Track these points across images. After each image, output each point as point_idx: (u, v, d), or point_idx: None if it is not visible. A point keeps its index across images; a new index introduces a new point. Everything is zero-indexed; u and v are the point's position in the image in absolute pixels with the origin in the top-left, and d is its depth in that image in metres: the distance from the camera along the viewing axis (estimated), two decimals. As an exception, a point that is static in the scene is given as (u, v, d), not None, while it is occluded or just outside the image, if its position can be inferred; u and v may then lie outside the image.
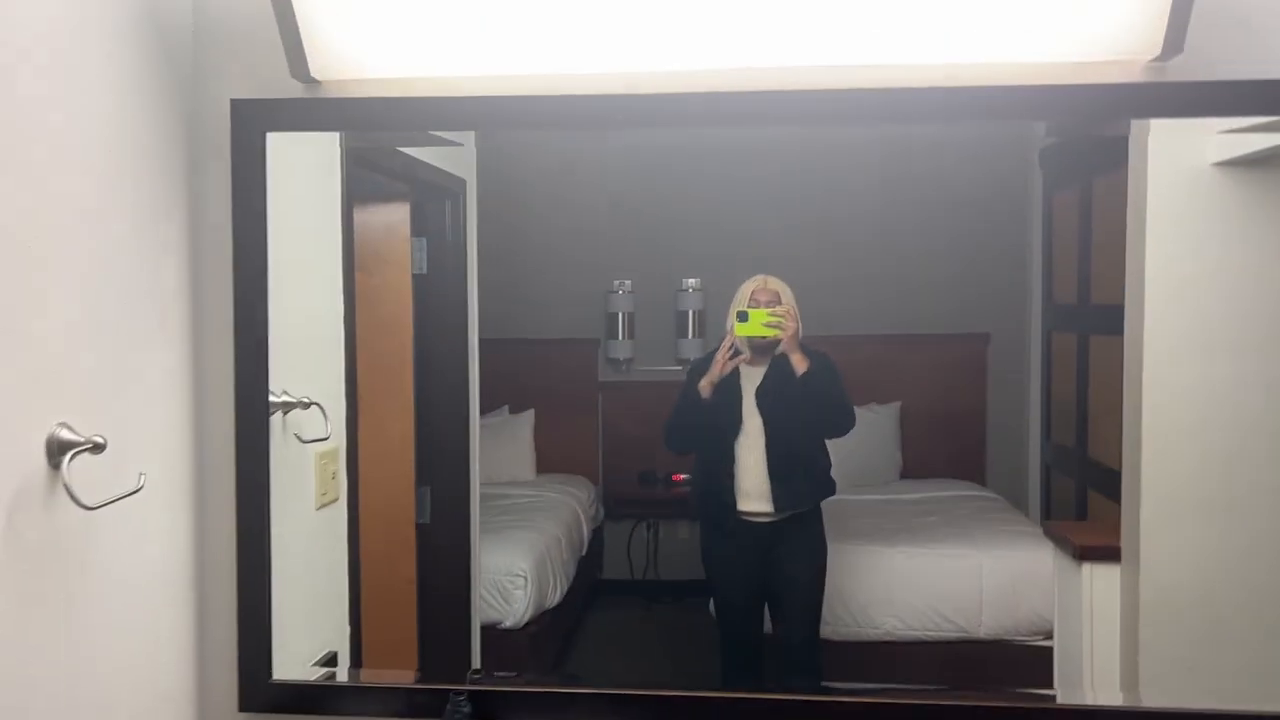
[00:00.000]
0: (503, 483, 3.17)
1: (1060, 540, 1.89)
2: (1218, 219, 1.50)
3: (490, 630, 2.51)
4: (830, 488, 2.08)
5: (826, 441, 2.09)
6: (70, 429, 1.18)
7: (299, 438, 1.61)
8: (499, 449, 3.17)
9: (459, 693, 1.44)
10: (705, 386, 2.00)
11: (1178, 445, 1.55)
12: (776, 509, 1.98)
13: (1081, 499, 2.45)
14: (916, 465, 3.16)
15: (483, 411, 2.47)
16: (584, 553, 3.03)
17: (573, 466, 3.28)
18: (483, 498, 2.45)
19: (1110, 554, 1.67)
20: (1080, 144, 2.30)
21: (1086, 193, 2.34)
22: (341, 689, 1.54)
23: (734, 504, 2.04)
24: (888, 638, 2.45)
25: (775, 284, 2.05)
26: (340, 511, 1.75)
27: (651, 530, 3.06)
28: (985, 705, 1.44)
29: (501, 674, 1.63)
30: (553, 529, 2.98)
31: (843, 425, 2.08)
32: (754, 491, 2.04)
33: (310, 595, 1.69)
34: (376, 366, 2.00)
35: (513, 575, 2.69)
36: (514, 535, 2.85)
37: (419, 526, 2.34)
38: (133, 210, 1.34)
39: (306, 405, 1.64)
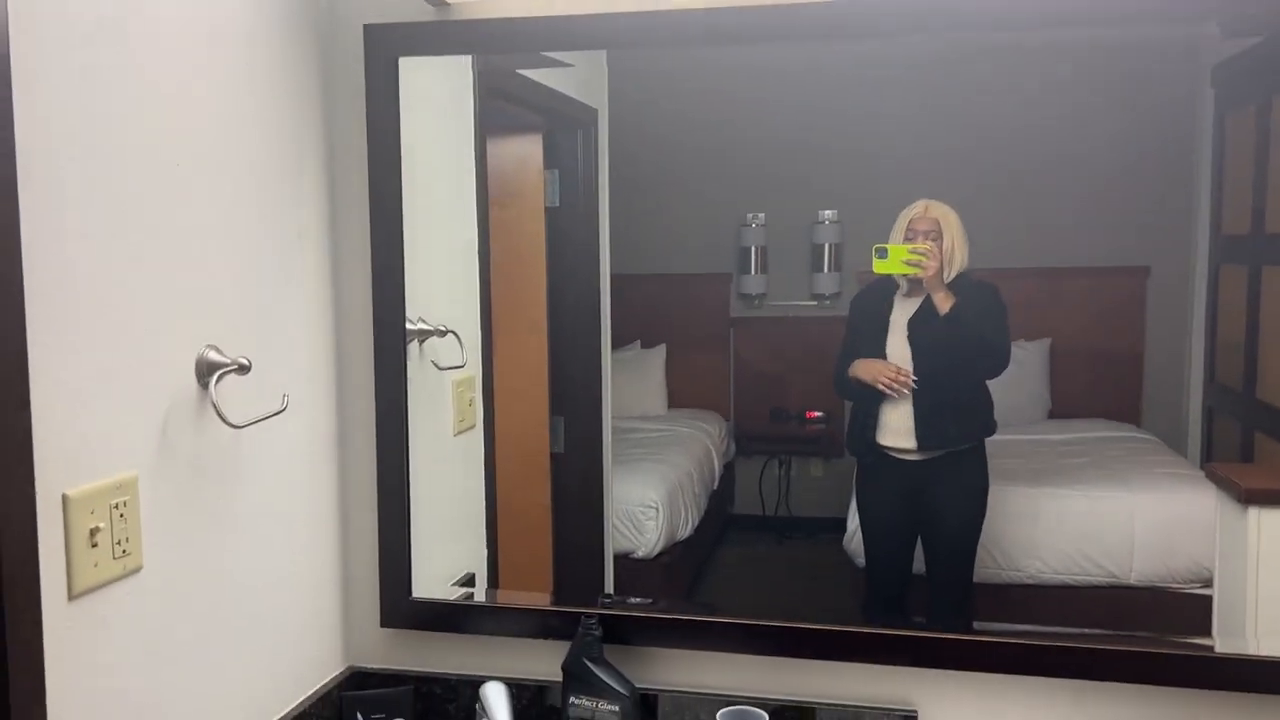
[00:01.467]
0: (634, 417, 3.17)
1: (1224, 482, 1.76)
2: None
3: (623, 559, 2.53)
4: (986, 428, 1.98)
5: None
6: (218, 350, 1.22)
7: (436, 365, 1.64)
8: (631, 383, 3.16)
9: (590, 616, 1.46)
10: (853, 380, 1.93)
11: None
12: (921, 446, 1.89)
13: (1248, 443, 2.28)
14: (1066, 405, 3.00)
15: (615, 346, 2.46)
16: (715, 487, 3.01)
17: (704, 402, 3.25)
18: (615, 431, 2.45)
19: (1279, 498, 1.55)
20: (1259, 55, 2.10)
21: (1265, 110, 2.14)
22: (478, 609, 1.57)
23: (876, 439, 1.96)
24: (1032, 581, 2.36)
25: (938, 210, 1.93)
26: (477, 437, 1.78)
27: (784, 467, 3.01)
28: (1139, 651, 1.36)
29: (634, 599, 1.64)
30: (684, 462, 2.97)
31: (991, 368, 1.95)
32: (899, 427, 1.95)
33: (449, 518, 1.73)
34: (511, 298, 2.02)
35: (645, 506, 2.70)
36: (646, 467, 2.85)
37: (553, 456, 2.36)
38: (273, 138, 1.37)
39: (443, 333, 1.66)
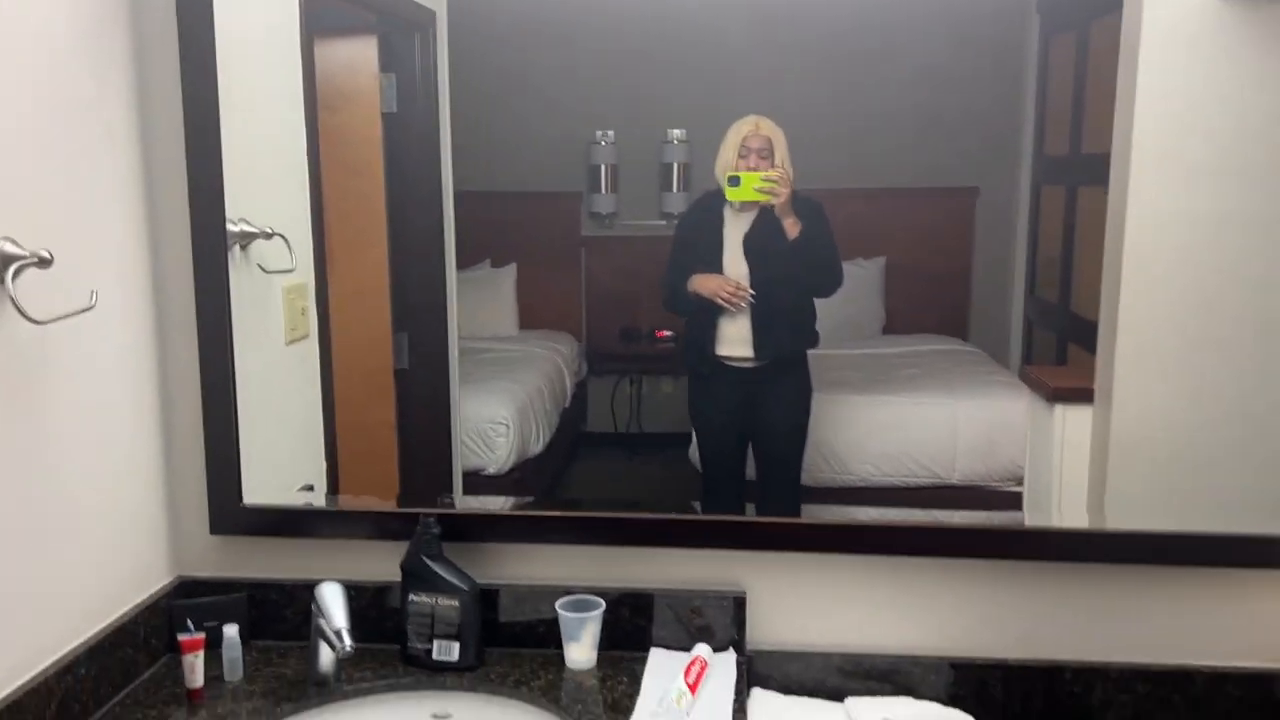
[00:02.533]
0: (485, 337, 3.15)
1: (1036, 383, 1.89)
2: (1214, 52, 1.44)
3: (473, 476, 2.53)
4: (814, 339, 2.06)
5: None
6: (14, 243, 1.14)
7: (262, 268, 1.59)
8: (481, 304, 3.13)
9: (428, 515, 1.46)
10: (693, 295, 1.96)
11: (1156, 286, 1.54)
12: (758, 356, 1.96)
13: (1062, 352, 2.45)
14: (900, 320, 3.14)
15: (464, 266, 2.43)
16: (567, 405, 3.03)
17: (556, 322, 3.24)
18: (465, 351, 2.43)
19: (1083, 395, 1.67)
20: (1081, -17, 2.20)
21: (1084, 36, 2.25)
22: (314, 513, 1.55)
23: (715, 349, 2.01)
24: (862, 484, 2.48)
25: (768, 128, 1.97)
26: (312, 348, 1.74)
27: (635, 385, 3.05)
28: (954, 527, 1.46)
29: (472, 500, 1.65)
30: (535, 380, 2.97)
31: (830, 286, 2.03)
32: (736, 338, 2.01)
33: (284, 428, 1.69)
34: (347, 206, 1.96)
35: (495, 423, 2.70)
36: (496, 385, 2.84)
37: (398, 373, 2.33)
38: (76, 32, 1.29)
39: (269, 235, 1.60)
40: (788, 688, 1.44)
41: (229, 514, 1.50)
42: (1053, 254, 2.46)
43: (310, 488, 1.72)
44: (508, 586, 1.49)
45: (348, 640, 1.29)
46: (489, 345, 3.00)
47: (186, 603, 1.46)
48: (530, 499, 2.65)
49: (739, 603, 1.45)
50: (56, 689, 1.22)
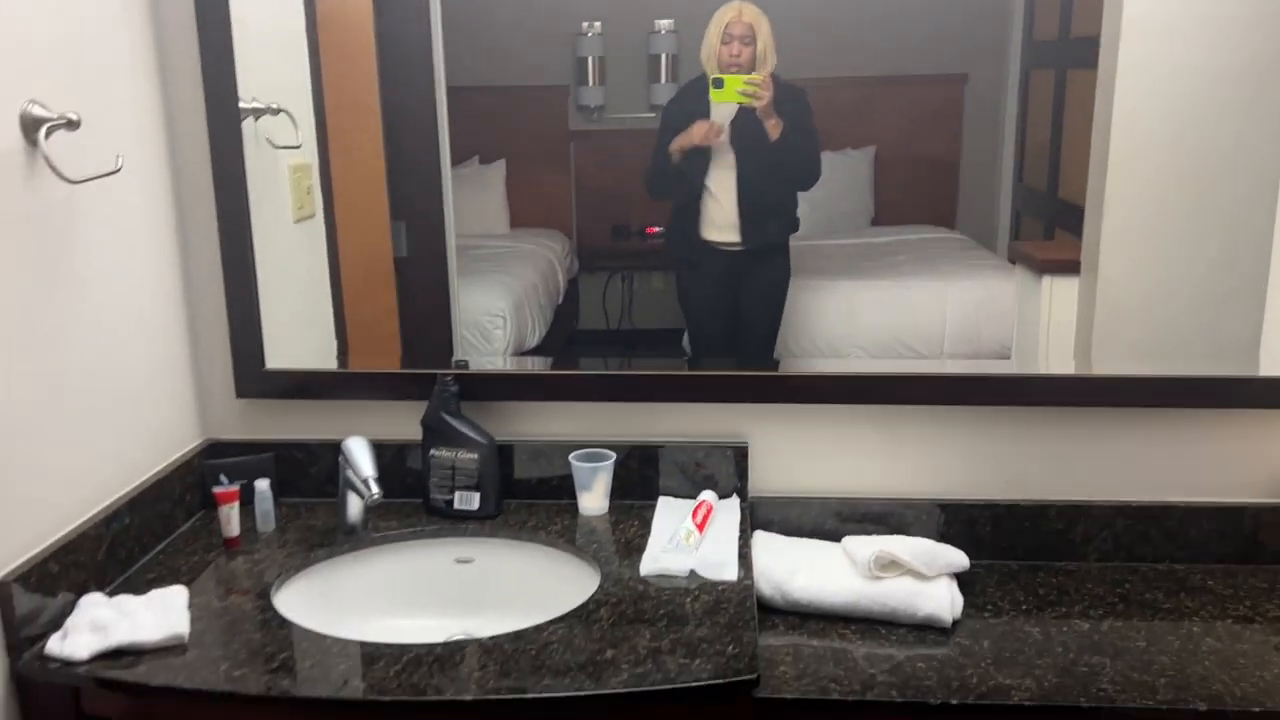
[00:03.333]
0: (476, 235, 3.16)
1: (1025, 257, 1.95)
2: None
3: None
4: (795, 224, 2.12)
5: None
6: (42, 106, 1.18)
7: (271, 143, 1.62)
8: (471, 200, 3.13)
9: (446, 375, 1.52)
10: (676, 151, 1.99)
11: (1140, 162, 1.59)
12: (745, 242, 2.01)
13: (1049, 237, 2.50)
14: (888, 211, 3.16)
15: (453, 163, 2.44)
16: (560, 302, 3.08)
17: (546, 219, 3.25)
18: (458, 247, 2.46)
19: (1070, 267, 1.74)
20: None
21: (1071, -86, 2.25)
22: (334, 376, 1.62)
23: (702, 233, 2.07)
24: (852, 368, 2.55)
25: (751, 14, 1.98)
26: (318, 228, 1.77)
27: (626, 281, 3.09)
28: (945, 375, 1.54)
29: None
30: (529, 275, 3.00)
31: (808, 181, 2.09)
32: (724, 223, 2.06)
33: (297, 303, 1.74)
34: (342, 92, 1.97)
35: (492, 315, 2.74)
36: (491, 279, 2.87)
37: (397, 261, 2.36)
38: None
39: (275, 111, 1.63)
40: (788, 530, 1.53)
41: (253, 378, 1.56)
42: (1041, 140, 2.50)
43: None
44: (523, 442, 1.56)
45: (375, 487, 1.37)
46: (480, 242, 3.02)
47: (217, 462, 1.53)
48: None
49: (741, 453, 1.53)
50: (105, 534, 1.30)
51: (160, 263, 1.48)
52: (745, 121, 1.88)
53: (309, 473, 1.58)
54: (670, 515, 1.48)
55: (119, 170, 1.27)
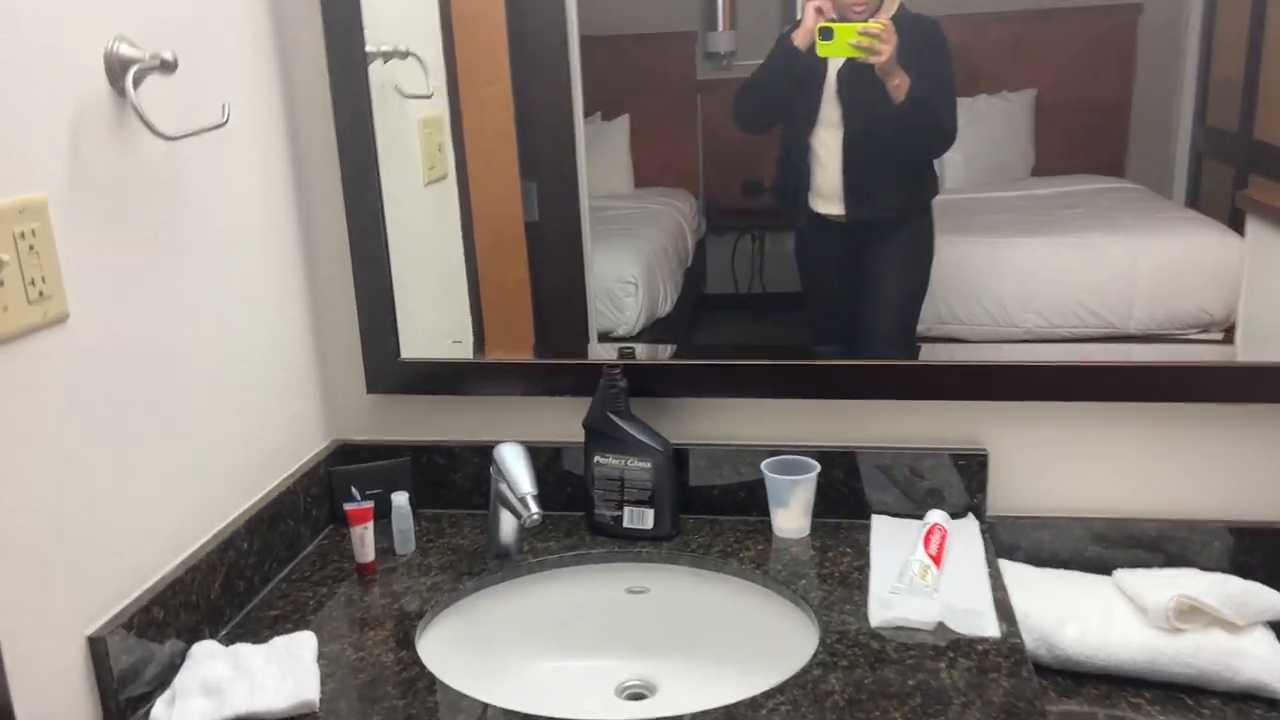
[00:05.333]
0: (601, 195, 2.94)
1: (1259, 207, 1.59)
2: None
3: (603, 339, 2.37)
4: (925, 191, 1.75)
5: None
6: (130, 43, 0.95)
7: (400, 92, 1.38)
8: (594, 159, 2.90)
9: (614, 367, 1.27)
10: (802, 34, 1.59)
11: None
12: (849, 213, 1.64)
13: (1241, 184, 2.14)
14: (1049, 160, 2.81)
15: (579, 117, 2.18)
16: (689, 264, 2.83)
17: (672, 178, 3.00)
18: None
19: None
20: None
21: None
22: (478, 367, 1.37)
23: (807, 202, 1.70)
24: (1028, 336, 2.25)
25: None
26: (450, 190, 1.54)
27: (757, 242, 2.81)
28: (1244, 365, 1.22)
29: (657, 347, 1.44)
30: (659, 238, 2.76)
31: (938, 149, 1.69)
32: (829, 193, 1.70)
33: (429, 278, 1.51)
34: (472, 28, 1.74)
35: (623, 282, 2.51)
36: (621, 243, 2.64)
37: (528, 225, 2.13)
38: None
39: (404, 55, 1.39)
40: (1038, 559, 1.24)
41: (386, 370, 1.33)
42: (1232, 74, 2.14)
43: (460, 343, 1.54)
44: (702, 446, 1.30)
45: (534, 507, 1.12)
46: (606, 203, 2.80)
47: (347, 469, 1.31)
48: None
49: (978, 461, 1.24)
50: (219, 564, 1.08)
51: (277, 235, 1.25)
52: (856, 73, 1.51)
53: (451, 479, 1.35)
54: (891, 540, 1.20)
55: (225, 124, 1.03)
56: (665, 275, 2.65)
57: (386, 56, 1.37)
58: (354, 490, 1.23)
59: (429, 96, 1.46)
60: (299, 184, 1.30)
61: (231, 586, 1.10)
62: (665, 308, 2.61)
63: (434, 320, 1.52)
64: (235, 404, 1.16)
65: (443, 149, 1.53)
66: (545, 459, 1.32)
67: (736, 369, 1.31)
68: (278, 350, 1.26)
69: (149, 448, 1.01)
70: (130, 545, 0.98)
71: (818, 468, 1.23)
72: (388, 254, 1.32)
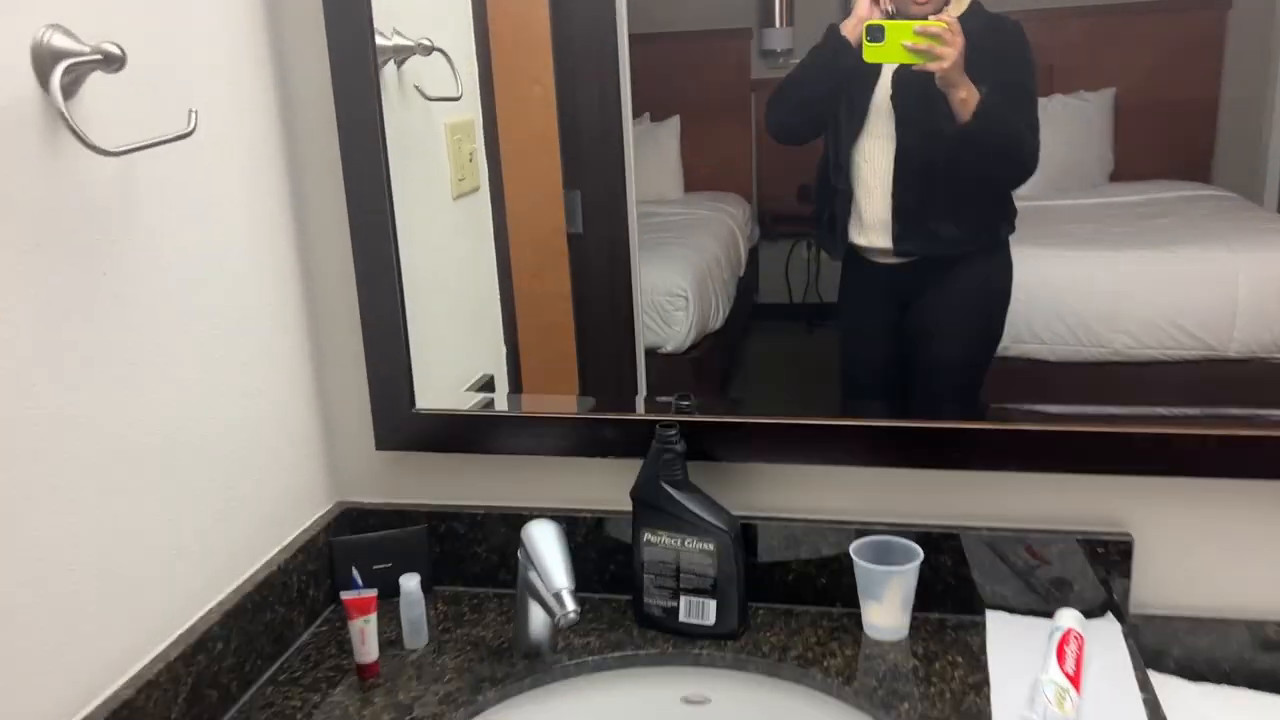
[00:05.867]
0: (649, 200, 2.77)
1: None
2: None
3: (650, 355, 2.19)
4: (996, 228, 1.42)
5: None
6: (66, 32, 0.75)
7: (422, 93, 1.18)
8: (642, 162, 2.72)
9: (668, 426, 1.05)
10: (853, 25, 1.28)
11: None
12: (897, 248, 1.33)
13: None
14: (1129, 164, 2.59)
15: (626, 120, 2.00)
16: (742, 274, 2.66)
17: (723, 182, 2.82)
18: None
19: None
20: None
21: None
22: (506, 421, 1.16)
23: (846, 231, 1.39)
24: (1115, 358, 2.05)
25: None
26: (483, 203, 1.34)
27: (812, 249, 2.61)
28: (1241, 435, 0.99)
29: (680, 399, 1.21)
30: (711, 246, 2.58)
31: (1019, 174, 1.36)
32: (872, 219, 1.38)
33: (455, 305, 1.31)
34: (509, 20, 1.55)
35: (673, 295, 2.33)
36: (670, 253, 2.46)
37: (571, 237, 1.95)
38: None
39: (428, 50, 1.19)
40: (1192, 669, 1.00)
41: (398, 423, 1.13)
42: None
43: (489, 381, 1.33)
44: (774, 521, 1.08)
45: (570, 603, 0.91)
46: (653, 210, 2.64)
47: (352, 539, 1.10)
48: (719, 394, 2.26)
49: (1121, 549, 1.00)
50: (184, 675, 0.88)
51: (268, 264, 1.05)
52: (917, 77, 1.21)
53: (474, 552, 1.14)
54: (1011, 644, 0.98)
55: (191, 133, 0.83)
56: (718, 286, 2.45)
57: (404, 54, 1.17)
58: (354, 573, 1.02)
59: (458, 98, 1.26)
60: (296, 201, 1.10)
61: (201, 699, 0.90)
62: (717, 321, 2.41)
63: (458, 359, 1.32)
64: (216, 473, 0.96)
65: (474, 158, 1.33)
66: (585, 531, 1.11)
67: (816, 429, 1.09)
68: (269, 403, 1.05)
69: (89, 540, 0.81)
70: (64, 665, 0.78)
71: (920, 555, 1.01)
72: (400, 283, 1.12)
